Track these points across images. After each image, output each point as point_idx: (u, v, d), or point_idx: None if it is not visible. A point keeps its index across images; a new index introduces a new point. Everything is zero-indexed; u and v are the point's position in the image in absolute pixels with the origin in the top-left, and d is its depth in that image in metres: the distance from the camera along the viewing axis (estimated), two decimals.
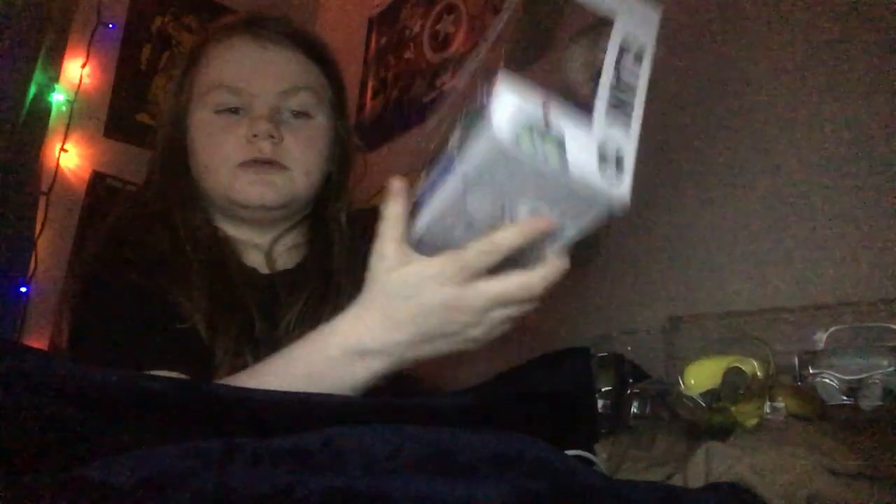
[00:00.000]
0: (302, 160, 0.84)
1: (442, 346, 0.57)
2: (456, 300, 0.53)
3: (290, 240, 0.89)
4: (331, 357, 0.58)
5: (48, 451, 0.42)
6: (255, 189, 0.82)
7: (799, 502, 0.47)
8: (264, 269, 0.87)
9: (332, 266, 0.86)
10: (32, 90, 1.80)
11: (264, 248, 0.87)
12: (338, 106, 0.90)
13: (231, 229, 0.87)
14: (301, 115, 0.85)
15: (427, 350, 0.57)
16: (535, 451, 0.43)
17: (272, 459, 0.41)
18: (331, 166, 0.89)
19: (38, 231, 1.81)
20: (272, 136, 0.81)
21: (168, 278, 0.76)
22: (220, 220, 0.87)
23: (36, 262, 1.80)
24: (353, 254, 0.87)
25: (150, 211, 0.85)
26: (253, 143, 0.81)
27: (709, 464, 0.53)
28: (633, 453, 0.66)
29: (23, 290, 1.77)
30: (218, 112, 0.83)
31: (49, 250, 1.84)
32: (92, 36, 2.02)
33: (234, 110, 0.83)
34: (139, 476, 0.38)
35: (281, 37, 0.86)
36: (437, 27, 1.94)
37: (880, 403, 0.53)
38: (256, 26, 0.86)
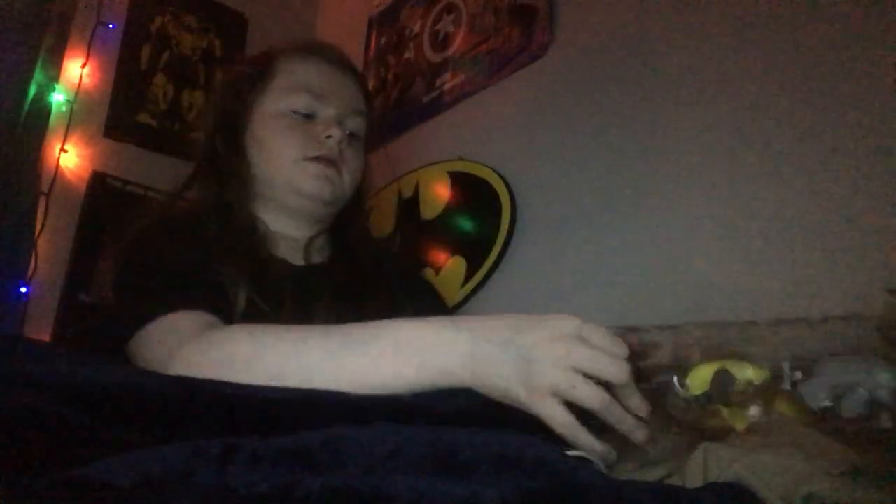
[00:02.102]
0: (351, 170, 0.98)
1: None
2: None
3: (322, 239, 1.01)
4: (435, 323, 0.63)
5: (48, 452, 0.42)
6: (317, 182, 0.94)
7: (797, 503, 0.48)
8: (298, 262, 0.96)
9: (359, 265, 0.99)
10: (32, 90, 1.80)
11: (302, 242, 0.98)
12: (369, 134, 1.05)
13: (272, 220, 0.97)
14: (353, 135, 1.00)
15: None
16: (535, 451, 0.43)
17: (272, 459, 0.41)
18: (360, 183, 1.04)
19: (38, 231, 1.80)
20: (340, 142, 0.96)
21: (214, 257, 0.84)
22: (262, 211, 0.97)
23: (36, 262, 1.80)
24: (377, 261, 1.02)
25: (195, 207, 0.95)
26: (323, 143, 0.95)
27: (707, 464, 0.53)
28: (630, 452, 0.67)
29: (23, 290, 1.77)
30: (294, 112, 0.96)
31: (49, 250, 1.83)
32: (92, 36, 2.01)
33: (305, 115, 0.96)
34: (139, 476, 0.39)
35: (346, 67, 1.03)
36: (437, 27, 1.94)
37: (861, 412, 0.54)
38: (327, 52, 1.01)
